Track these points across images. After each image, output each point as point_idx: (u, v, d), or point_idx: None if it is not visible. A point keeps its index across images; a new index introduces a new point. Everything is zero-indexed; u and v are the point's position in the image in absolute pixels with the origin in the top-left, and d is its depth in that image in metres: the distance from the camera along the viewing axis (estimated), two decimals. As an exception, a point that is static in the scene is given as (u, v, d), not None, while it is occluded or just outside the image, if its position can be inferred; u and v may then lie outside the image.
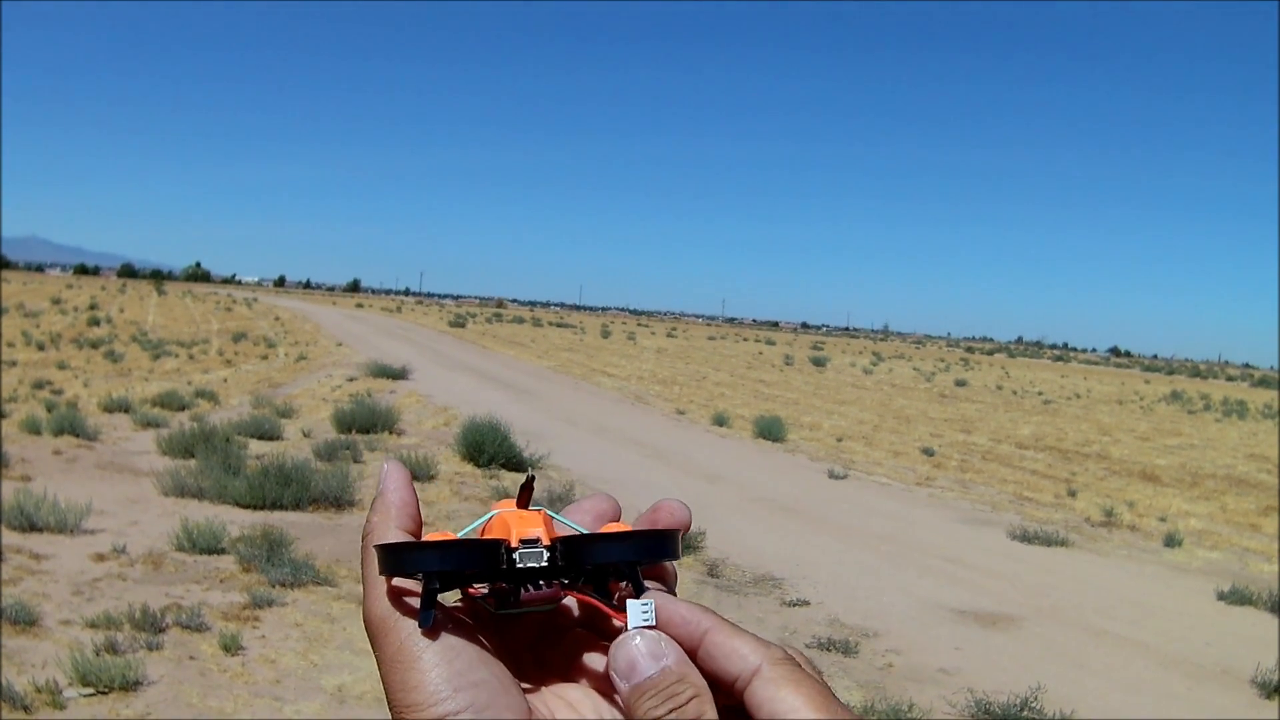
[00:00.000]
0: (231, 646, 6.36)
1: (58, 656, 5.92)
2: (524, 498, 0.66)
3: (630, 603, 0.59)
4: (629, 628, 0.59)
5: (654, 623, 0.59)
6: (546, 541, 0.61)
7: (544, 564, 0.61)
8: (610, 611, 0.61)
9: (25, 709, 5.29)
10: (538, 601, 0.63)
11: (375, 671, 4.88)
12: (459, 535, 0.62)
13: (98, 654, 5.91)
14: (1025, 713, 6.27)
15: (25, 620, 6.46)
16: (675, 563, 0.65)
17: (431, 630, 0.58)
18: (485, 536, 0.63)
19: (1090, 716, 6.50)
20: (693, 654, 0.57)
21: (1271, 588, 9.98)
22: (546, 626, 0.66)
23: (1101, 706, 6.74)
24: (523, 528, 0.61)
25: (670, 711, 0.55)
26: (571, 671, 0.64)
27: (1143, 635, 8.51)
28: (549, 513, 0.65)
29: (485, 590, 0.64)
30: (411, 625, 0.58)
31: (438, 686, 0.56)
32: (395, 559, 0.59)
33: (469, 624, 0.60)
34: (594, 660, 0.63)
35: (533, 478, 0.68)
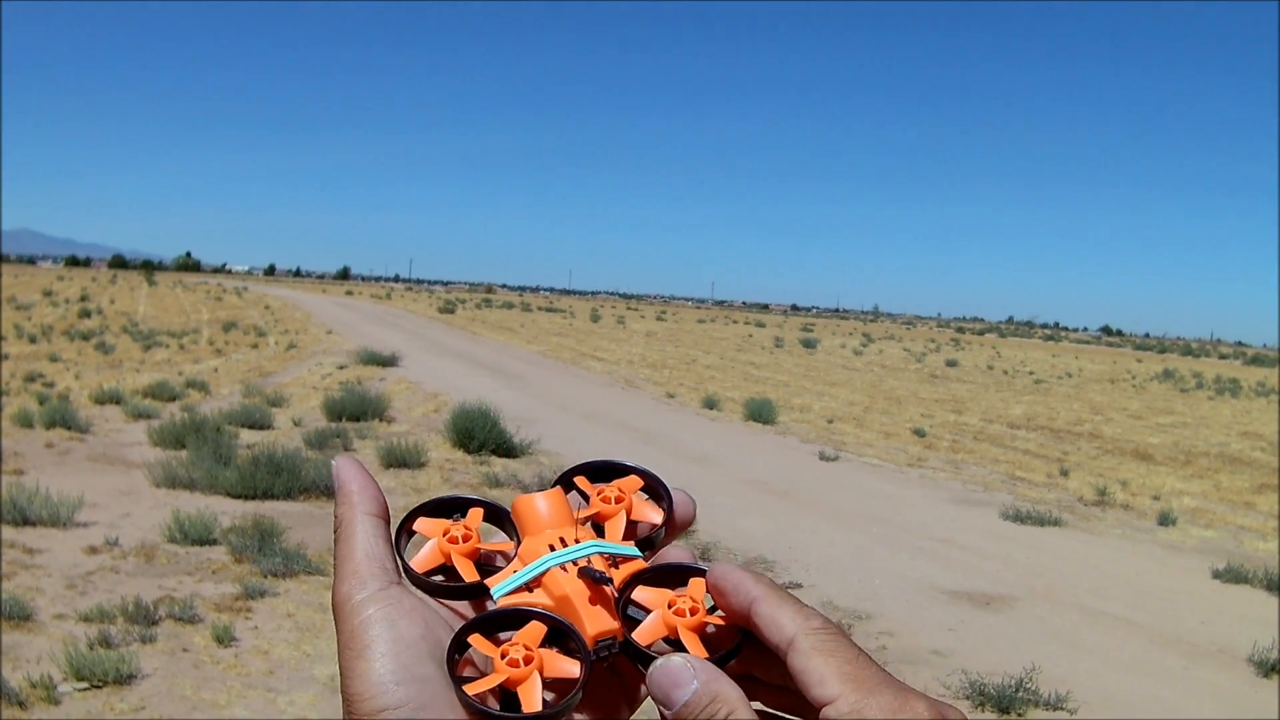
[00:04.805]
0: (224, 638, 6.35)
1: (52, 651, 5.91)
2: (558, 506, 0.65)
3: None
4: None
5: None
6: (619, 634, 0.58)
7: (613, 652, 0.59)
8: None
9: (21, 705, 5.27)
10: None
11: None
12: (500, 587, 0.61)
13: (91, 648, 5.89)
14: (1020, 693, 6.28)
15: (19, 615, 6.44)
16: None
17: (400, 584, 0.59)
18: (541, 599, 0.60)
19: (1085, 696, 6.52)
20: (745, 622, 0.57)
21: (1267, 566, 10.01)
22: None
23: (1097, 686, 6.76)
24: (596, 621, 0.58)
25: None
26: None
27: (1137, 614, 8.53)
28: (594, 533, 0.65)
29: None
30: (368, 612, 0.57)
31: (381, 677, 0.55)
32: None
33: (428, 610, 0.59)
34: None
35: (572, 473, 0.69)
